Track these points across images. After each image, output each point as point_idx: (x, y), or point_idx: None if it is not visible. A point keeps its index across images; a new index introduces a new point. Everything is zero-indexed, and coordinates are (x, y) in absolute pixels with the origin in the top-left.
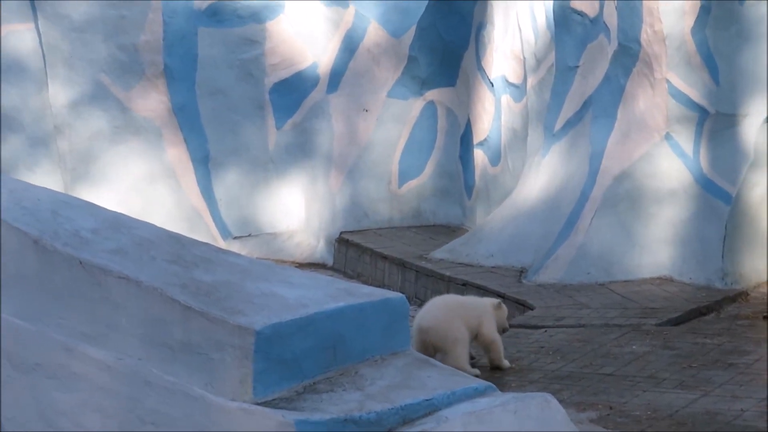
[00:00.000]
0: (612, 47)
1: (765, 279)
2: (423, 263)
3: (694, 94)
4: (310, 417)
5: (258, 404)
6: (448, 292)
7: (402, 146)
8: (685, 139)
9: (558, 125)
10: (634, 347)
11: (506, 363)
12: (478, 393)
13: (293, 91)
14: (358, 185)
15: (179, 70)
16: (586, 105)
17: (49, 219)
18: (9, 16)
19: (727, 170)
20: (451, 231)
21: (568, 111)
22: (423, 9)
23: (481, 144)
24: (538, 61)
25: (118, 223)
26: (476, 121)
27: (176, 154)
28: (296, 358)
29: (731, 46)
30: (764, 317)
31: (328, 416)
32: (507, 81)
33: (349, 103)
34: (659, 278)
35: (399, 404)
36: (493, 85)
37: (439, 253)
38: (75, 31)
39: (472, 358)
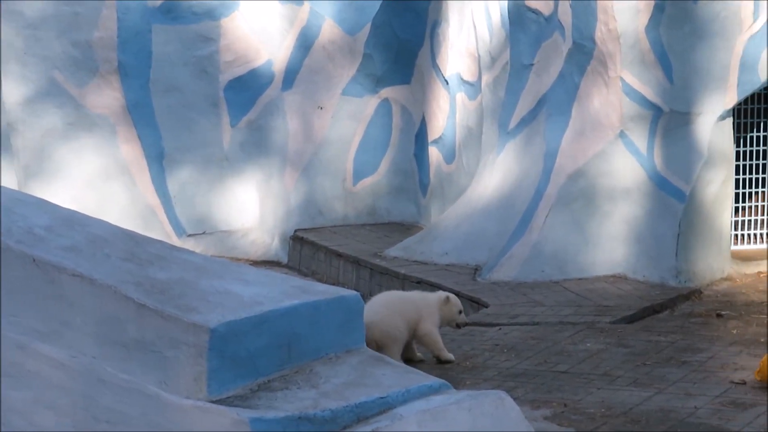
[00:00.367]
0: (566, 45)
1: (718, 277)
2: (378, 261)
3: (648, 93)
4: (265, 415)
5: (212, 402)
6: (402, 289)
7: (357, 144)
8: (639, 137)
9: (512, 123)
10: (588, 345)
11: (448, 355)
12: (433, 391)
13: (248, 89)
14: (313, 183)
15: (133, 66)
16: (540, 103)
17: (2, 216)
18: None
19: (681, 168)
20: (405, 229)
21: (522, 109)
22: (378, 6)
23: (435, 142)
24: (493, 59)
25: (71, 220)
26: (431, 118)
27: (130, 151)
28: (251, 356)
29: (685, 45)
30: (717, 315)
31: (283, 414)
32: (462, 79)
33: (304, 101)
34: (613, 276)
35: (354, 402)
36: (447, 83)
37: (393, 251)
38: (29, 27)
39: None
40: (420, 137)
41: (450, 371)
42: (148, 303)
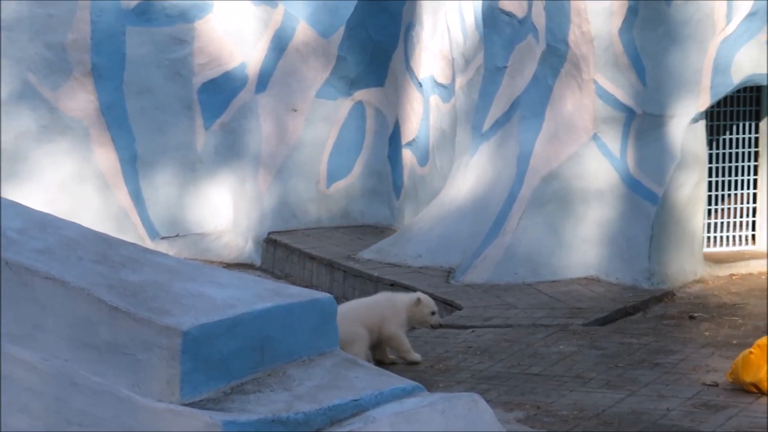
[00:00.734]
0: (540, 48)
1: (691, 279)
2: (351, 263)
3: (622, 95)
4: (238, 418)
5: (185, 405)
6: (376, 292)
7: (330, 146)
8: (612, 140)
9: (486, 125)
10: (561, 347)
11: (415, 356)
12: (406, 393)
13: (222, 91)
14: (287, 185)
15: (107, 69)
16: (514, 105)
17: None
18: None
19: (653, 170)
20: (379, 231)
21: (496, 111)
22: (352, 9)
23: (409, 144)
24: (467, 62)
25: (44, 223)
26: (405, 121)
27: (104, 154)
28: (224, 359)
29: (658, 47)
30: (690, 317)
31: (256, 417)
32: (435, 81)
33: (277, 103)
34: (586, 278)
35: (327, 405)
36: (421, 86)
37: (367, 254)
38: (2, 29)
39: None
40: (394, 140)
41: (423, 374)
42: (121, 306)
